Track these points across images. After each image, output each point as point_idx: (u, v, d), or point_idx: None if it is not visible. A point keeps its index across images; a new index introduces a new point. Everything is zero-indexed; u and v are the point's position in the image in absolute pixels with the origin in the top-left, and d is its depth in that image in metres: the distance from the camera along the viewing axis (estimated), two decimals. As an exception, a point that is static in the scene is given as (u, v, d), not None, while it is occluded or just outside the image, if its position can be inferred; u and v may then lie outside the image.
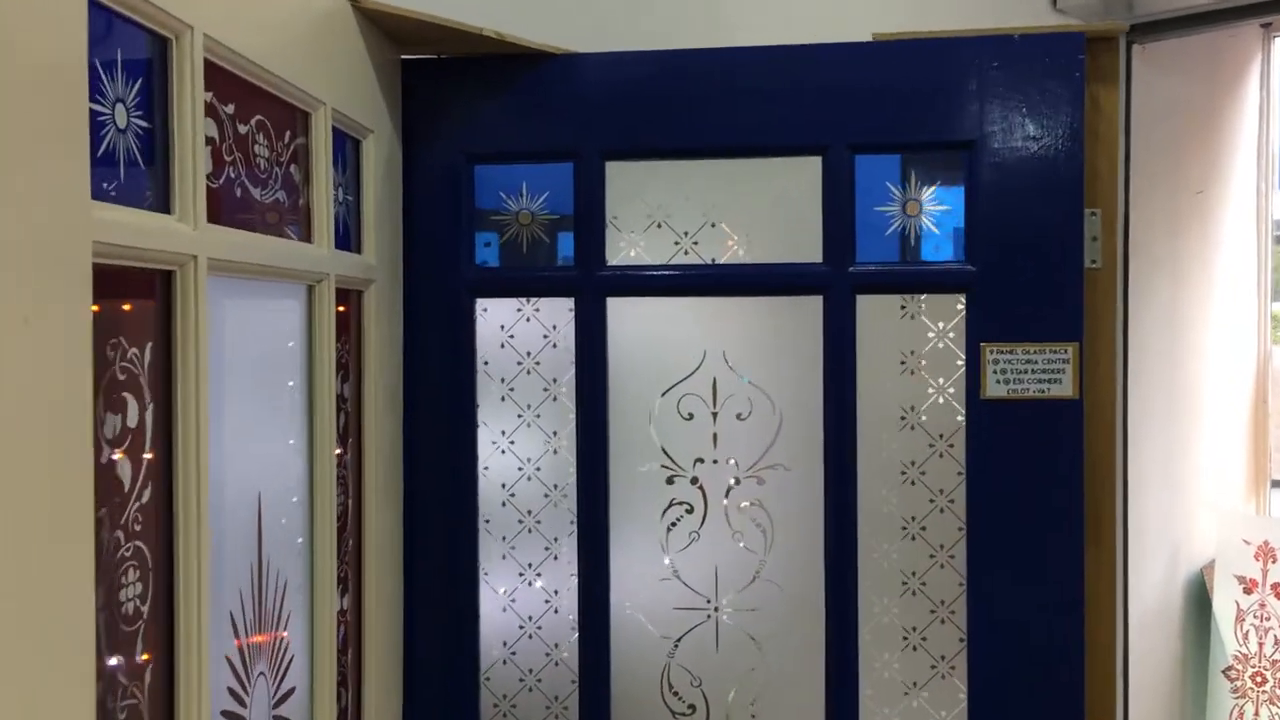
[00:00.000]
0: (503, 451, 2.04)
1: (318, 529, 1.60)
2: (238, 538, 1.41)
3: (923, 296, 1.93)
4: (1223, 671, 3.56)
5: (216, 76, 1.32)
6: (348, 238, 1.78)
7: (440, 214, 1.99)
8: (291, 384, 1.57)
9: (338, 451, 1.70)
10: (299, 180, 1.57)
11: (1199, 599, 3.65)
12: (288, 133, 1.53)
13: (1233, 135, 3.68)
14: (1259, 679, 3.51)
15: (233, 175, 1.37)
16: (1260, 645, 3.55)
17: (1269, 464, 3.87)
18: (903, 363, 1.94)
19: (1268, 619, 3.52)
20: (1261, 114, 3.73)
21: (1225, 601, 3.55)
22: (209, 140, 1.30)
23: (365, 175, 1.81)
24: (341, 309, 1.77)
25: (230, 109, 1.36)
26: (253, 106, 1.43)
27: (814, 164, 1.94)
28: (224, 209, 1.35)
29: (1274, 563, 3.54)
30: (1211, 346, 3.60)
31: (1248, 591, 3.54)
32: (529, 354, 2.02)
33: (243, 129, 1.40)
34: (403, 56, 1.97)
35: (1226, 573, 3.54)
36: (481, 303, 2.02)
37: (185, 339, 1.21)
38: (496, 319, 2.03)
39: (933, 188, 1.94)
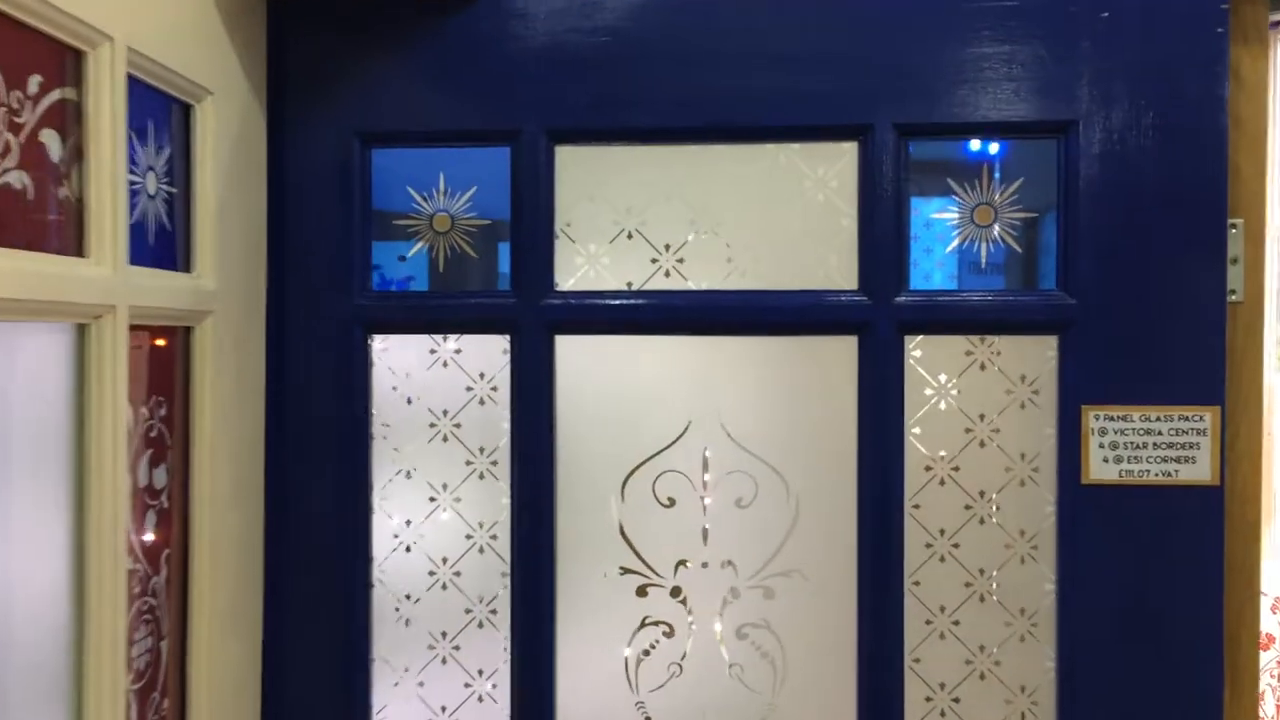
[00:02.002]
0: (407, 549, 1.46)
1: (88, 704, 1.01)
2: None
3: (998, 339, 1.39)
4: (1235, 736, 3.09)
5: None
6: (170, 248, 1.20)
7: (322, 217, 1.42)
8: (47, 476, 0.98)
9: (137, 568, 1.11)
10: (61, 157, 0.98)
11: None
12: (37, 78, 0.95)
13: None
14: (1275, 744, 3.06)
15: (-102, 138, 0.79)
16: (1277, 707, 3.11)
17: (1273, 499, 3.43)
18: (968, 430, 1.39)
19: (1286, 677, 3.09)
20: (1273, 121, 3.27)
21: (1236, 657, 3.09)
22: None
23: (200, 157, 1.23)
24: (161, 343, 1.19)
25: (-106, 23, 0.78)
26: (-47, 26, 0.85)
27: (848, 153, 1.39)
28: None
29: (1294, 616, 3.12)
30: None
31: (1263, 648, 3.10)
32: (445, 413, 1.45)
33: (-72, 61, 0.82)
34: (270, -6, 1.39)
35: (1238, 626, 3.08)
36: (380, 341, 1.45)
37: None
38: (400, 363, 1.45)
39: (1014, 187, 1.40)
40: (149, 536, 1.15)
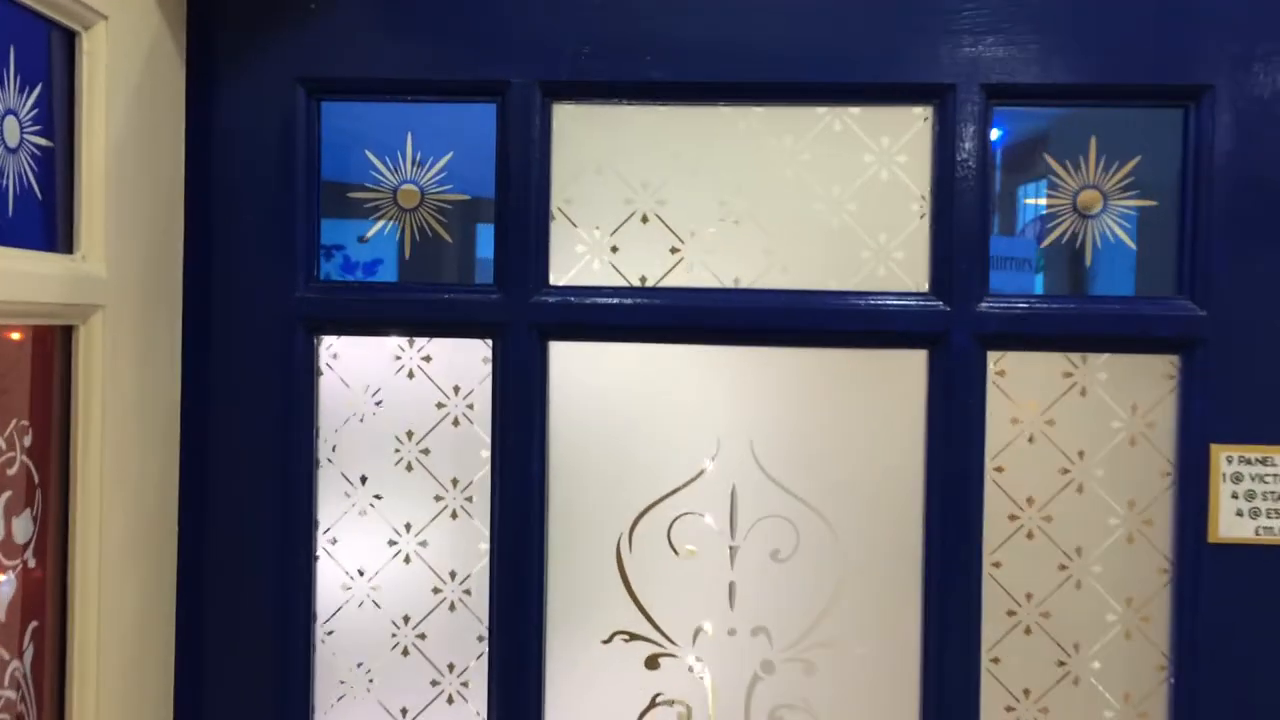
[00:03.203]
0: (359, 604, 1.17)
1: None
2: None
3: (1104, 358, 1.11)
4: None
5: None
6: (41, 221, 0.91)
7: (257, 186, 1.13)
8: None
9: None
10: None
11: None
12: None
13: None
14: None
15: None
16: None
17: None
18: (1064, 471, 1.12)
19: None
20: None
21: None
22: None
23: (87, 101, 0.93)
24: (26, 348, 0.89)
25: None
26: None
27: (921, 119, 1.11)
28: None
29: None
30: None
31: None
32: (410, 436, 1.16)
33: None
34: (192, -99, 1.09)
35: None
36: (329, 344, 1.16)
37: None
38: (355, 372, 1.16)
39: (1128, 168, 1.12)
40: (5, 607, 0.86)
